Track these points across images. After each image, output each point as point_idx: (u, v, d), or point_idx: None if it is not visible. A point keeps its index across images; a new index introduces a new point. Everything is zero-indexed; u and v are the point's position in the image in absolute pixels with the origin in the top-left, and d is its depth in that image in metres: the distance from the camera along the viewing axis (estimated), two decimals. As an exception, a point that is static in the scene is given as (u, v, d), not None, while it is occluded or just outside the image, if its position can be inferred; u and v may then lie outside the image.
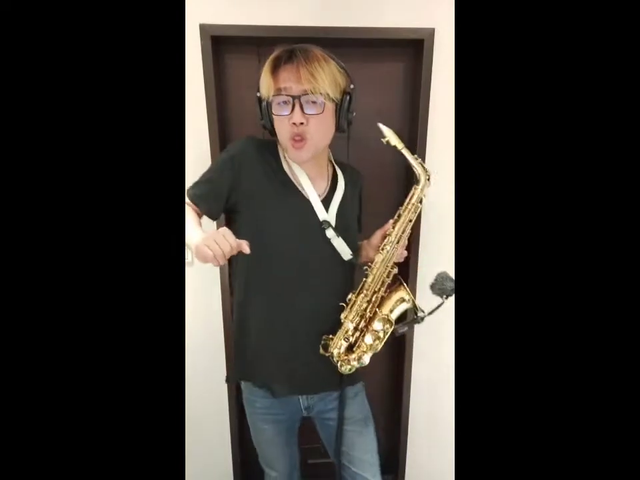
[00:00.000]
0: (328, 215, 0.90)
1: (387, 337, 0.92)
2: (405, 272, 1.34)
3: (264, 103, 0.84)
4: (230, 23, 1.08)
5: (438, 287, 0.91)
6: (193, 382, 1.36)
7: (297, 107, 0.79)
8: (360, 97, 1.24)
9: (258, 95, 0.85)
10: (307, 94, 0.78)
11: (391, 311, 0.92)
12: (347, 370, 0.91)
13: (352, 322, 0.89)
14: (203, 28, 1.08)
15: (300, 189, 0.89)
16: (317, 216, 0.89)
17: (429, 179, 0.90)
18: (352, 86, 0.84)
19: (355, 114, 0.87)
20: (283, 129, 0.83)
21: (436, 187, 1.25)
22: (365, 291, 0.90)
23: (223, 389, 1.39)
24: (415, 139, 1.20)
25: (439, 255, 1.31)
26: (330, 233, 0.89)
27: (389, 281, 0.91)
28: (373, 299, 0.91)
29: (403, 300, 0.93)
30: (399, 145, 0.86)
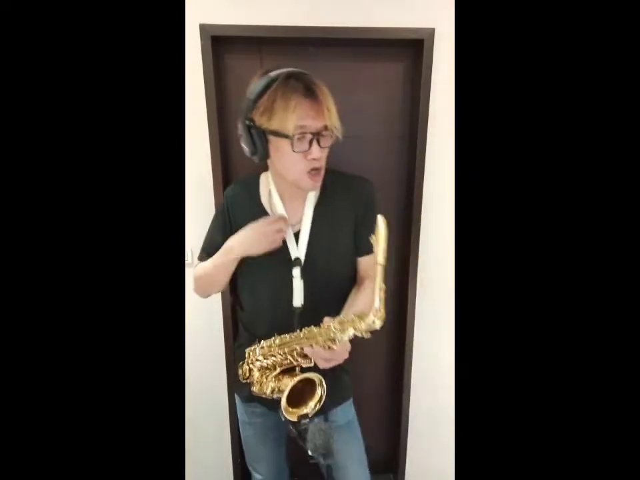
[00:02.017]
0: (298, 249, 0.88)
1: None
2: (405, 273, 1.34)
3: (254, 131, 0.80)
4: (230, 23, 1.08)
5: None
6: (193, 382, 1.36)
7: (315, 143, 0.79)
8: (360, 96, 1.25)
9: (249, 123, 0.80)
10: (326, 130, 0.79)
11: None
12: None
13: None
14: (203, 28, 1.08)
15: None
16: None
17: (376, 322, 0.74)
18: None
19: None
20: (297, 164, 0.81)
21: (436, 187, 1.26)
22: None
23: (222, 389, 1.39)
24: (415, 138, 1.20)
25: (438, 255, 1.31)
26: (295, 271, 0.87)
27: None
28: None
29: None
30: (379, 259, 0.72)
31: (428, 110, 1.17)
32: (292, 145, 0.78)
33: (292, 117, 0.76)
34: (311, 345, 0.80)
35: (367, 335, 0.76)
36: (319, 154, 0.79)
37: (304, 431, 0.81)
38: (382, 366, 1.51)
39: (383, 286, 0.73)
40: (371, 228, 0.86)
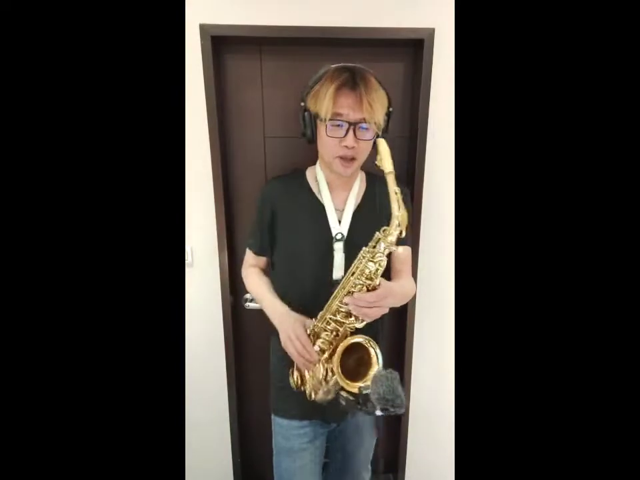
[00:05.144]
0: (340, 227, 0.94)
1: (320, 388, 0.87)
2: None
3: (307, 114, 0.89)
4: (230, 23, 1.08)
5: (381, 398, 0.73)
6: (193, 382, 1.36)
7: (351, 132, 0.84)
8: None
9: (303, 104, 0.89)
10: (363, 122, 0.83)
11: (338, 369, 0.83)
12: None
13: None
14: (203, 28, 1.08)
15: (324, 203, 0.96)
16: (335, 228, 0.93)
17: (400, 228, 0.81)
18: (391, 109, 0.90)
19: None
20: (331, 148, 0.87)
21: (436, 187, 1.26)
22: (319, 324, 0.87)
23: (223, 389, 1.39)
24: (415, 138, 1.20)
25: (439, 255, 1.31)
26: (337, 245, 0.92)
27: (339, 329, 0.86)
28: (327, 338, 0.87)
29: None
30: (388, 168, 0.84)
31: (428, 110, 1.17)
32: (325, 128, 0.85)
33: (329, 102, 0.82)
34: (350, 292, 0.83)
35: (398, 249, 0.83)
36: (352, 143, 0.84)
37: (365, 396, 0.76)
38: (382, 366, 1.51)
39: (397, 189, 0.82)
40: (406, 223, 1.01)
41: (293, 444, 1.01)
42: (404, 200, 0.92)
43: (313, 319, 0.90)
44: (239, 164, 1.27)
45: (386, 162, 0.84)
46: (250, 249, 1.08)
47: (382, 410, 0.72)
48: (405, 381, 1.43)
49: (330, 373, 0.86)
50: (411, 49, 1.18)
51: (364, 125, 0.84)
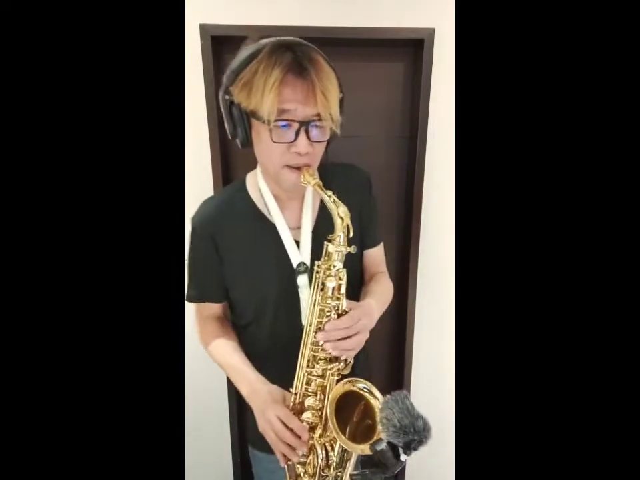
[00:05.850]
0: (300, 253, 0.75)
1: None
2: (405, 273, 1.34)
3: (235, 108, 0.65)
4: (230, 23, 1.08)
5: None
6: (193, 382, 1.36)
7: (303, 134, 0.63)
8: (360, 96, 1.25)
9: (227, 98, 0.65)
10: (318, 119, 0.64)
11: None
12: None
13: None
14: (203, 28, 1.08)
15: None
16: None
17: (345, 225, 0.65)
18: (341, 94, 0.69)
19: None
20: (277, 156, 0.66)
21: (436, 186, 1.26)
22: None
23: (223, 389, 1.39)
24: (415, 138, 1.20)
25: (438, 255, 1.31)
26: (302, 280, 0.74)
27: (319, 379, 0.68)
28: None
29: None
30: (312, 181, 0.66)
31: (428, 110, 1.17)
32: (270, 132, 0.63)
33: (271, 97, 0.59)
34: (319, 328, 0.66)
35: (351, 249, 0.66)
36: (305, 148, 0.64)
37: (380, 452, 0.57)
38: (382, 366, 1.51)
39: (329, 192, 0.65)
40: (373, 218, 0.85)
41: (278, 476, 0.83)
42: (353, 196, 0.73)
43: (290, 389, 0.70)
44: (239, 164, 1.27)
45: (306, 176, 0.66)
46: (189, 301, 0.84)
47: (405, 447, 0.56)
48: (405, 380, 1.43)
49: (330, 449, 0.68)
50: (411, 49, 1.18)
51: (316, 122, 0.64)
